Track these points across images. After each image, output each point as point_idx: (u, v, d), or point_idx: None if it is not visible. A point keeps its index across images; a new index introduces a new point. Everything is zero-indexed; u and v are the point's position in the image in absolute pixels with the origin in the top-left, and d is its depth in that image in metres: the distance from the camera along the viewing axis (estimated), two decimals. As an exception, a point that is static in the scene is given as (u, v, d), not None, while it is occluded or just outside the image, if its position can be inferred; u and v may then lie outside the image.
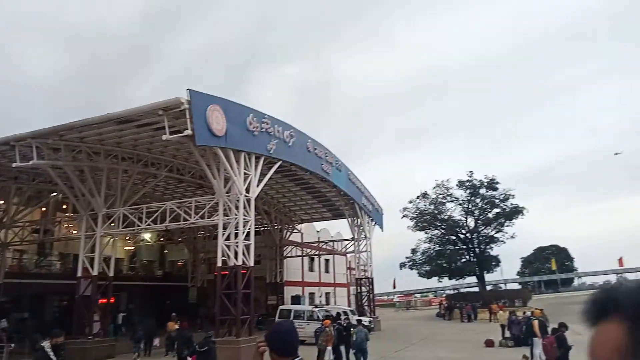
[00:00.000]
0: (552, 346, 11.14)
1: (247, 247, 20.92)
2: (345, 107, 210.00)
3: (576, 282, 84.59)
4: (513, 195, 46.35)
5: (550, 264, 79.96)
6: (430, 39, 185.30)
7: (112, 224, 24.44)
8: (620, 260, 77.65)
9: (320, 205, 38.50)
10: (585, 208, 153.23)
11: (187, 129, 18.00)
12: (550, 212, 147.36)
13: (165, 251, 44.90)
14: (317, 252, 43.99)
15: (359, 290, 36.56)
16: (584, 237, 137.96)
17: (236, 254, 20.23)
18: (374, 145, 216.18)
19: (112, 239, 25.47)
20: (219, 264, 20.59)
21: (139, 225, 23.38)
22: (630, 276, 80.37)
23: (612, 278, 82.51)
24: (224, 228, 20.67)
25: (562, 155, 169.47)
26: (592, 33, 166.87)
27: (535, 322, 15.41)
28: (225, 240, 20.53)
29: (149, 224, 23.12)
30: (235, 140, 20.36)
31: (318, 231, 46.31)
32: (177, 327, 22.82)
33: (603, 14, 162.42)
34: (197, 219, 22.29)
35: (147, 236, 38.81)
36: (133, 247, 40.34)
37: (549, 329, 14.74)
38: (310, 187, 33.35)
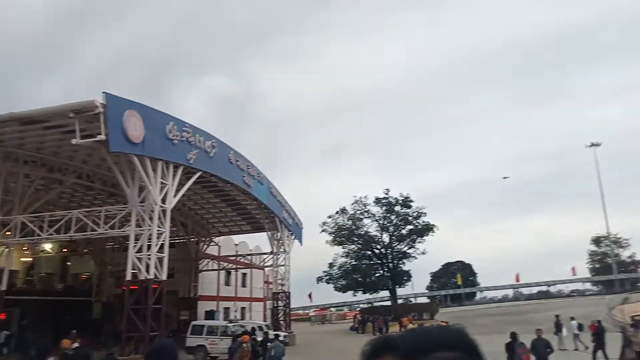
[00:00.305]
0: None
1: (160, 260, 20.11)
2: (268, 121, 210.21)
3: (478, 296, 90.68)
4: (425, 213, 48.91)
5: (456, 279, 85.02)
6: (351, 60, 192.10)
7: (8, 233, 22.34)
8: (517, 276, 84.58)
9: (239, 218, 38.00)
10: (487, 227, 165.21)
11: (100, 134, 17.09)
12: (458, 230, 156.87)
13: (68, 263, 41.62)
14: (234, 266, 43.20)
15: (275, 305, 36.39)
16: (486, 254, 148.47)
17: (148, 267, 19.36)
18: (296, 160, 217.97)
19: (7, 249, 23.25)
20: (129, 277, 19.57)
21: (39, 235, 21.61)
22: (525, 290, 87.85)
23: (510, 292, 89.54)
24: (136, 239, 19.74)
25: (468, 177, 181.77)
26: (498, 69, 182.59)
27: (441, 335, 16.28)
28: (137, 252, 19.59)
29: (51, 234, 21.48)
30: (153, 148, 19.64)
31: (236, 244, 45.54)
32: (76, 344, 21.18)
33: (509, 51, 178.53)
34: (106, 230, 21.06)
35: (47, 246, 35.80)
36: (31, 259, 36.97)
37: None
38: (230, 199, 32.85)
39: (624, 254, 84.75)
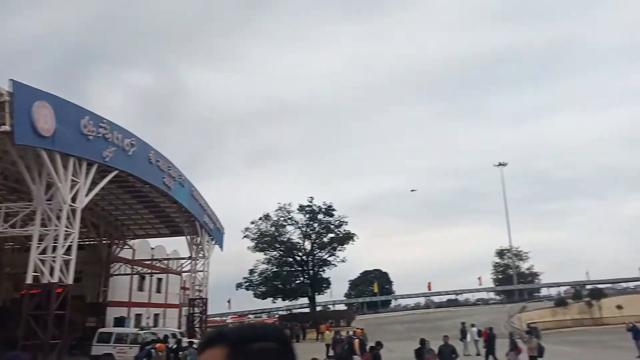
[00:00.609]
0: (368, 363, 12.24)
1: (67, 262, 18.80)
2: (195, 122, 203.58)
3: (393, 303, 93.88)
4: (346, 222, 50.07)
5: (373, 287, 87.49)
6: (284, 67, 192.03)
7: None
8: (429, 285, 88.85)
9: (157, 221, 36.48)
10: (404, 237, 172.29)
11: (4, 124, 15.73)
12: (377, 239, 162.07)
13: (-42, 264, 37.51)
14: (149, 271, 41.31)
15: (191, 311, 35.28)
16: (402, 263, 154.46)
17: (52, 270, 18.01)
18: (221, 164, 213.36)
19: None
20: (29, 280, 18.07)
21: None
22: (436, 299, 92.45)
23: (422, 300, 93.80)
24: (40, 240, 18.30)
25: (389, 189, 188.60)
26: (420, 87, 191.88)
27: (356, 341, 16.75)
28: (40, 254, 18.16)
29: (-62, 231, 19.29)
30: (64, 143, 18.37)
31: (152, 248, 43.64)
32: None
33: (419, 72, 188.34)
34: (6, 228, 19.33)
35: None
36: None
37: (368, 347, 16.13)
38: (148, 200, 31.46)
39: (524, 266, 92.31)
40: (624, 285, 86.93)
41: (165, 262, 41.67)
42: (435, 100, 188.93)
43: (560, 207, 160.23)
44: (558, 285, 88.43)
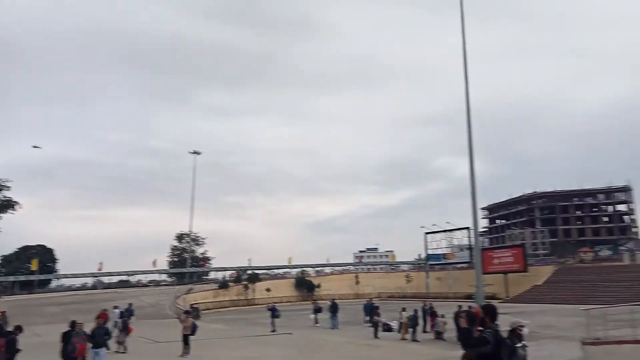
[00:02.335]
0: (1, 350, 10.87)
1: None
2: None
3: (55, 283, 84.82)
4: (8, 187, 42.57)
5: (31, 264, 77.10)
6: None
7: None
8: (100, 265, 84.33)
9: None
10: (81, 212, 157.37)
11: None
12: (47, 211, 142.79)
13: None
14: None
15: None
16: (74, 240, 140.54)
17: None
18: None
19: None
20: None
21: None
22: (106, 279, 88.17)
23: (91, 280, 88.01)
24: None
25: (71, 158, 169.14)
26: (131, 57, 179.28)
27: (-9, 326, 14.50)
28: None
29: None
30: None
31: None
32: None
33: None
34: None
35: None
36: None
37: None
38: None
39: (199, 251, 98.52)
40: (276, 271, 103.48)
41: None
42: (139, 75, 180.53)
43: (242, 200, 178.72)
44: (224, 269, 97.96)
